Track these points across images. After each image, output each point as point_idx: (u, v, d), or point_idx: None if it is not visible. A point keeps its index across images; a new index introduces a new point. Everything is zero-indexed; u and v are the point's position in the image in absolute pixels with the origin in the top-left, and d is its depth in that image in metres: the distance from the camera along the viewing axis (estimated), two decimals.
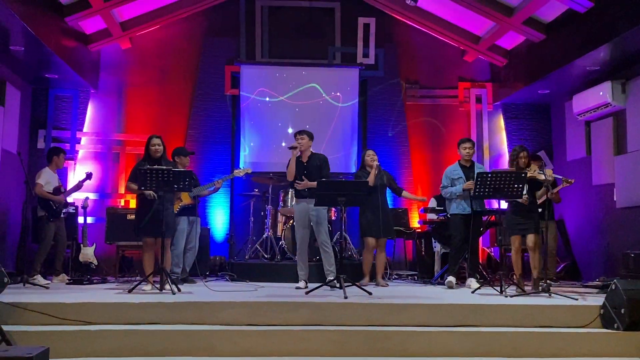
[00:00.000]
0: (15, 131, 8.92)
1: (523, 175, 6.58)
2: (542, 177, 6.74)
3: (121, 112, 10.10)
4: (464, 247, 7.35)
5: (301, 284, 7.07)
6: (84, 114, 9.96)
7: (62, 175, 8.96)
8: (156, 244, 6.64)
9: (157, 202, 6.50)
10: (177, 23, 10.16)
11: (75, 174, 9.64)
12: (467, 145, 7.55)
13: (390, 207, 8.09)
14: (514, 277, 7.11)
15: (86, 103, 9.97)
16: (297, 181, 7.10)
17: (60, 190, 8.11)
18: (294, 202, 7.46)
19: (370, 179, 7.38)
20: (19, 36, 7.48)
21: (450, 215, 7.55)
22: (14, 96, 8.80)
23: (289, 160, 7.17)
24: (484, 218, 8.17)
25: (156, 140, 6.82)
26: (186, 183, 6.44)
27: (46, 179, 7.96)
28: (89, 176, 8.34)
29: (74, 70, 8.83)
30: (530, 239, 6.90)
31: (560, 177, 6.97)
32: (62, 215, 8.10)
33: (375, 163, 7.56)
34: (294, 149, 7.12)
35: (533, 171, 6.88)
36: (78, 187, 8.29)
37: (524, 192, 6.85)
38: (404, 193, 8.03)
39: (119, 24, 9.40)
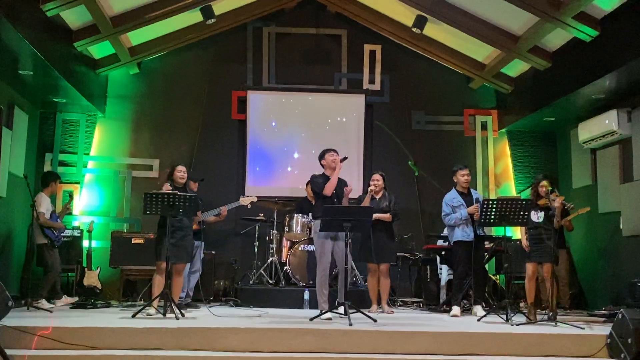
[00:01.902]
0: (23, 154, 8.95)
1: (527, 202, 6.59)
2: (556, 203, 6.74)
3: (128, 136, 10.15)
4: (469, 276, 7.33)
5: (329, 314, 6.43)
6: (92, 138, 10.01)
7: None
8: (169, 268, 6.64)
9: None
10: (185, 49, 10.24)
11: (81, 198, 9.68)
12: (466, 172, 7.55)
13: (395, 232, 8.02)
14: (520, 304, 7.09)
15: (94, 127, 10.02)
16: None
17: (56, 214, 8.14)
18: (313, 223, 7.36)
19: (364, 203, 7.39)
20: (28, 60, 7.55)
21: (453, 243, 7.52)
22: (21, 120, 8.85)
23: (323, 176, 7.19)
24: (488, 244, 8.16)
25: (182, 168, 7.07)
26: (191, 208, 6.47)
27: (46, 206, 7.97)
28: (71, 196, 8.66)
29: (82, 94, 8.90)
30: (545, 267, 6.88)
31: (572, 205, 6.96)
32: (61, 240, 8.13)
33: (371, 187, 7.55)
34: (345, 159, 7.17)
35: (546, 199, 6.88)
36: (66, 209, 8.41)
37: (541, 220, 6.85)
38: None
39: (128, 50, 9.48)
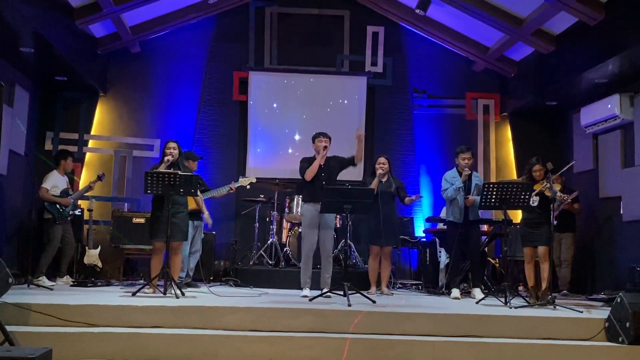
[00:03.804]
0: (23, 132, 8.94)
1: (529, 186, 6.59)
2: (550, 192, 6.75)
3: (129, 115, 10.14)
4: (462, 257, 7.35)
5: (307, 291, 6.88)
6: (92, 116, 9.99)
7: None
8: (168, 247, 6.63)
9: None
10: (186, 28, 10.20)
11: (82, 177, 9.68)
12: (467, 155, 7.39)
13: (398, 215, 7.99)
14: (520, 288, 7.12)
15: (94, 106, 10.01)
16: None
17: (68, 192, 8.14)
18: (301, 205, 7.37)
19: (372, 186, 7.36)
20: (29, 38, 7.52)
21: (447, 222, 7.54)
22: (22, 98, 8.82)
23: (311, 160, 7.05)
24: (482, 227, 8.14)
25: (172, 144, 6.87)
26: (192, 187, 6.45)
27: (53, 183, 7.99)
28: (100, 177, 8.47)
29: (83, 73, 8.88)
30: (540, 250, 6.92)
31: (558, 193, 6.95)
32: (68, 218, 8.12)
33: (379, 171, 7.52)
34: (325, 149, 7.00)
35: (541, 185, 6.89)
36: (89, 188, 8.36)
37: (535, 203, 6.85)
38: (406, 199, 7.76)
39: (129, 28, 9.43)
